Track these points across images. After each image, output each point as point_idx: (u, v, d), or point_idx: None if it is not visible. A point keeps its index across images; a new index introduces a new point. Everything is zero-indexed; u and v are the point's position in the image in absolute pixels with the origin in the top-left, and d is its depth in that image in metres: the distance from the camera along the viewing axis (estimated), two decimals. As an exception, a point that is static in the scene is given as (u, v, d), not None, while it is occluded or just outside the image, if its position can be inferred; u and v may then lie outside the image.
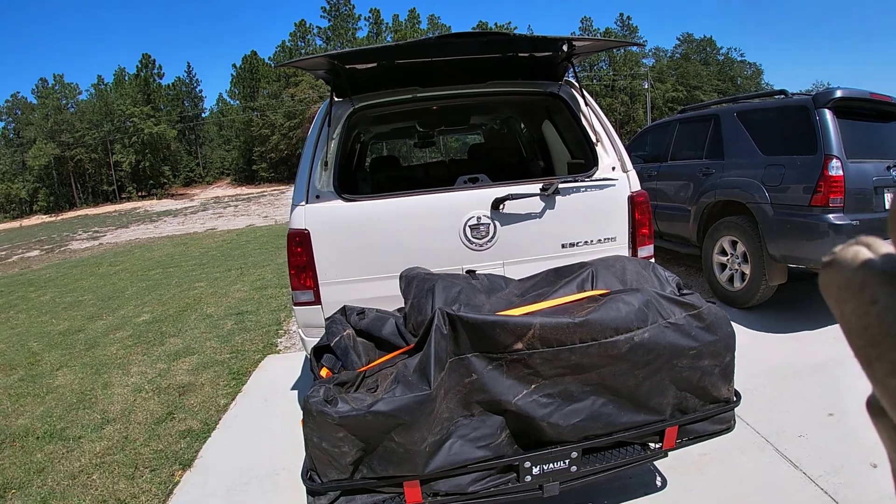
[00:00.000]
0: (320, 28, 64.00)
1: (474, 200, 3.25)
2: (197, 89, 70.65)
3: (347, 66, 3.21)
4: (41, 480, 3.67)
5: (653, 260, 3.18)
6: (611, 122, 3.59)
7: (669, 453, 2.42)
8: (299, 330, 3.45)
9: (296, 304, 3.30)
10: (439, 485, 2.09)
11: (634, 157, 3.77)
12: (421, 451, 1.97)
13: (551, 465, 2.18)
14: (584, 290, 2.38)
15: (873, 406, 0.37)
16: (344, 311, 2.68)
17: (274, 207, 28.97)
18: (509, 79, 3.71)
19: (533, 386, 2.06)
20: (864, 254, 0.37)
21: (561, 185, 3.29)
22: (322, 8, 65.24)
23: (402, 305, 2.66)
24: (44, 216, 54.26)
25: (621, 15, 69.95)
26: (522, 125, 5.98)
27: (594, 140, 3.50)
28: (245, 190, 53.51)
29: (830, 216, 4.64)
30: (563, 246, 3.34)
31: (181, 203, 43.69)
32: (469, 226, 3.23)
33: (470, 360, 2.02)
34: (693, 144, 6.59)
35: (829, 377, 3.99)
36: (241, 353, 5.64)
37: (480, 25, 64.15)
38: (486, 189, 3.31)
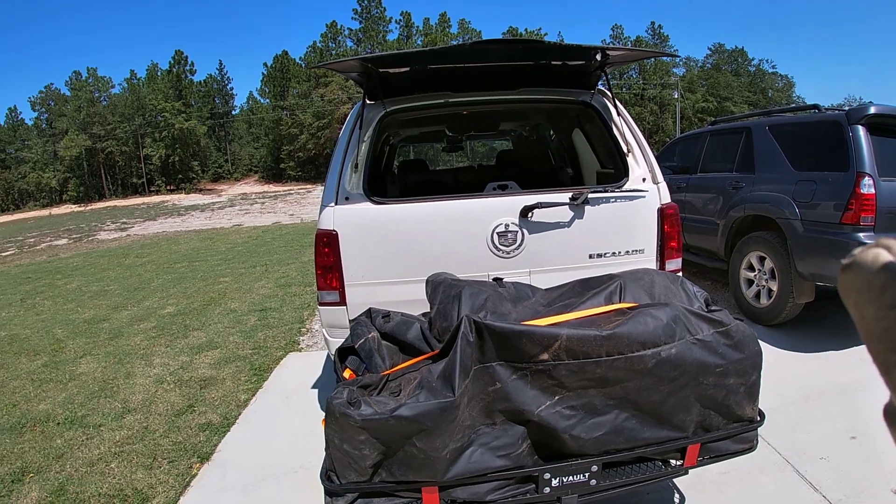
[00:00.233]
0: (351, 30, 64.56)
1: (503, 207, 3.25)
2: (228, 87, 71.61)
3: (381, 70, 3.22)
4: (59, 466, 3.73)
5: (680, 274, 3.15)
6: (639, 131, 3.57)
7: (690, 471, 2.39)
8: (323, 330, 3.46)
9: (321, 304, 3.31)
10: (457, 492, 2.08)
11: (663, 167, 3.73)
12: (441, 457, 1.96)
13: (571, 478, 2.17)
14: (612, 303, 2.36)
15: (891, 414, 0.36)
16: (369, 313, 2.68)
17: (300, 206, 29.20)
18: (541, 86, 3.70)
19: (557, 397, 2.05)
20: (885, 256, 0.35)
21: (591, 195, 3.27)
22: (353, 10, 65.78)
23: (427, 310, 2.66)
24: (73, 206, 55.18)
25: (652, 23, 69.49)
26: (552, 132, 5.96)
27: (625, 150, 3.48)
28: (272, 188, 54.00)
29: (861, 235, 4.55)
30: (590, 256, 3.33)
31: (209, 198, 44.21)
32: (497, 233, 3.22)
33: (495, 368, 2.02)
34: (723, 157, 6.52)
35: (853, 399, 3.92)
36: (263, 350, 5.69)
37: (511, 30, 64.20)
38: (515, 196, 3.30)
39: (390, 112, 3.57)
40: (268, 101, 65.95)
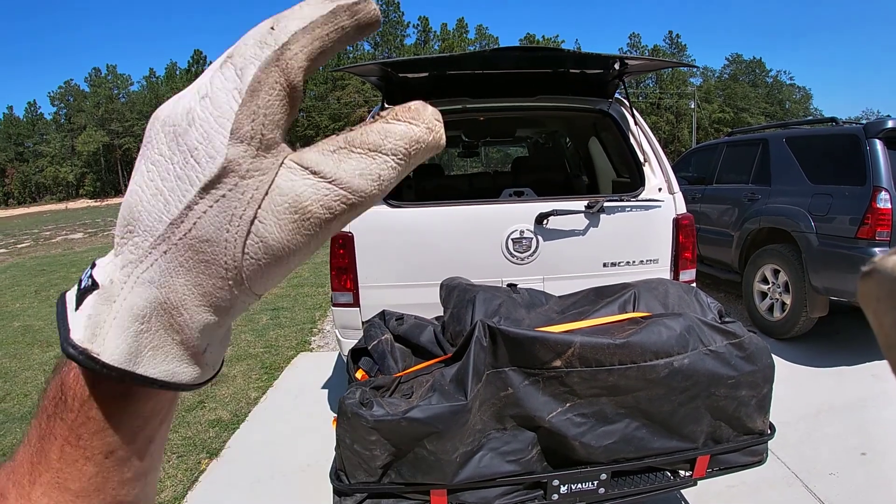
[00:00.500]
0: (369, 33, 64.76)
1: (518, 214, 3.26)
2: (245, 87, 72.02)
3: (400, 74, 3.25)
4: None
5: (694, 284, 3.14)
6: (656, 140, 3.57)
7: (698, 482, 2.39)
8: (336, 331, 3.48)
9: (334, 306, 3.33)
10: (466, 496, 2.09)
11: (679, 178, 3.73)
12: (451, 460, 1.97)
13: (580, 485, 2.17)
14: (626, 312, 2.37)
15: None
16: (383, 315, 2.70)
17: (312, 206, 29.26)
18: (558, 94, 3.71)
19: (568, 404, 2.05)
20: None
21: (606, 204, 3.28)
22: (372, 13, 65.71)
23: (441, 314, 2.68)
24: (89, 200, 55.68)
25: (670, 33, 69.47)
26: (568, 140, 5.96)
27: (642, 160, 3.48)
28: (286, 187, 54.18)
29: (876, 250, 4.52)
30: (604, 265, 3.33)
31: (222, 196, 44.39)
32: (512, 239, 3.23)
33: (507, 373, 2.02)
34: (740, 168, 6.50)
35: (864, 415, 3.89)
36: (274, 349, 5.72)
37: (528, 37, 64.24)
38: (530, 203, 3.32)
39: None
40: (284, 102, 66.26)
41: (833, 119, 5.79)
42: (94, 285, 0.35)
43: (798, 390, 4.29)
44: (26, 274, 12.19)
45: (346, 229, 3.20)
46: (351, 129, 0.34)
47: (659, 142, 3.60)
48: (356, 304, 3.28)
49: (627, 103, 3.69)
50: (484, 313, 2.37)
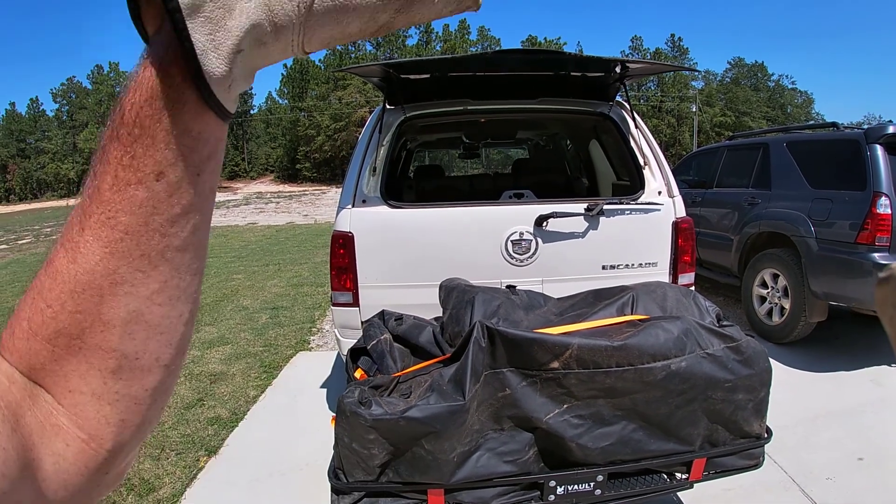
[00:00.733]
0: (370, 33, 64.77)
1: (518, 216, 3.27)
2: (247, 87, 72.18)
3: (402, 76, 3.26)
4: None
5: (693, 288, 3.15)
6: (656, 143, 3.58)
7: (695, 485, 2.39)
8: (335, 330, 3.49)
9: (334, 305, 3.34)
10: (462, 496, 2.10)
11: (679, 181, 3.74)
12: (449, 460, 1.98)
13: (576, 487, 2.18)
14: (624, 314, 2.38)
15: None
16: (382, 315, 2.71)
17: (315, 206, 29.27)
18: (560, 96, 3.72)
19: (565, 406, 2.06)
20: None
21: (606, 206, 3.29)
22: (374, 13, 65.79)
23: (440, 314, 2.68)
24: (90, 197, 55.53)
25: (672, 36, 69.25)
26: (568, 143, 5.97)
27: (642, 163, 3.49)
28: (287, 187, 54.21)
29: (876, 255, 4.53)
30: (603, 267, 3.34)
31: (224, 196, 44.39)
32: (511, 241, 3.24)
33: (505, 374, 2.03)
34: (740, 172, 6.50)
35: (862, 421, 3.90)
36: (273, 347, 5.73)
37: (530, 39, 64.21)
38: (530, 205, 3.32)
39: (409, 117, 3.60)
40: (286, 101, 66.36)
41: (834, 124, 5.79)
42: None
43: (796, 394, 4.29)
44: (27, 270, 12.19)
45: (346, 229, 3.21)
46: None
47: (660, 145, 3.61)
48: (356, 303, 3.28)
49: (628, 106, 3.70)
50: (483, 314, 2.38)
